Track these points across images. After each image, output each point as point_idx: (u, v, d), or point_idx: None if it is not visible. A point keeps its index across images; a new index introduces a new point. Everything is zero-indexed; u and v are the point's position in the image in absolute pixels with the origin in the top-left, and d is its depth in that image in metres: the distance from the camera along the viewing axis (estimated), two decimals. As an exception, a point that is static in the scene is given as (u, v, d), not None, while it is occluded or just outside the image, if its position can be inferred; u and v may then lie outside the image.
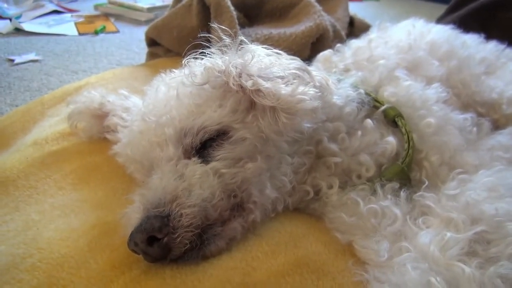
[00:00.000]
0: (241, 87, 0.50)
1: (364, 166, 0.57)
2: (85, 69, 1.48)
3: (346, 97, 0.59)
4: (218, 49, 0.54)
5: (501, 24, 1.08)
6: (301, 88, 0.48)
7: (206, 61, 0.52)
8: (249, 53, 0.51)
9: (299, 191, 0.57)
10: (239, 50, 0.53)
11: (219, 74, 0.50)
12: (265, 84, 0.48)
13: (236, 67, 0.50)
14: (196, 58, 0.53)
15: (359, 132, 0.58)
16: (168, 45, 1.13)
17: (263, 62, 0.51)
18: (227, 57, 0.51)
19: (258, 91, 0.49)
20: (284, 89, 0.47)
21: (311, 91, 0.48)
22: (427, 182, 0.54)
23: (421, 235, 0.46)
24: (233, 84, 0.50)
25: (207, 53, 0.53)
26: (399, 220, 0.50)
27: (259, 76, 0.49)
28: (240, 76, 0.49)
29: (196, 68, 0.52)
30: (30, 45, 1.67)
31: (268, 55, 0.53)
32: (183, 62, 0.53)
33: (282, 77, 0.49)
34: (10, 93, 1.26)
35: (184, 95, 0.52)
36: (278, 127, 0.49)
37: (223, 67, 0.50)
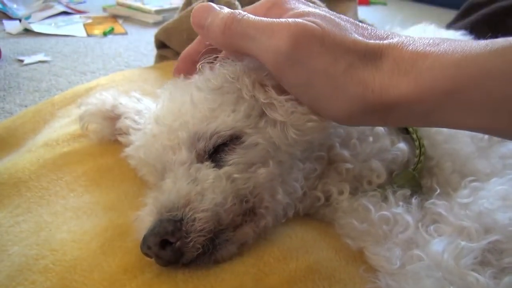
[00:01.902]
0: (254, 96, 0.50)
1: (375, 173, 0.57)
2: (94, 70, 1.49)
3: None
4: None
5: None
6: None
7: (220, 66, 0.52)
8: None
9: (309, 196, 0.57)
10: None
11: (232, 80, 0.50)
12: (279, 98, 0.48)
13: (250, 76, 0.50)
14: (210, 62, 0.53)
15: (370, 138, 0.58)
16: (178, 48, 1.14)
17: None
18: (241, 64, 0.51)
19: (271, 104, 0.48)
20: (298, 107, 0.47)
21: None
22: (438, 190, 0.54)
23: (433, 243, 0.46)
24: (246, 94, 0.49)
25: (221, 58, 0.53)
26: (411, 227, 0.50)
27: (274, 87, 0.49)
28: (253, 87, 0.49)
29: (210, 73, 0.53)
30: (39, 46, 1.68)
31: None
32: (197, 66, 0.53)
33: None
34: (20, 93, 1.27)
35: (198, 100, 0.52)
36: (287, 140, 0.49)
37: (237, 74, 0.50)
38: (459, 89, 0.36)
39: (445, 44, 0.39)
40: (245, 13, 0.44)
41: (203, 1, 1.03)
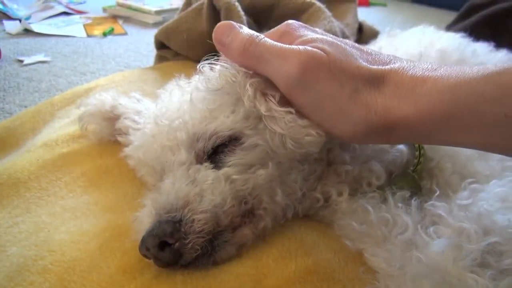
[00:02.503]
0: (255, 106, 0.49)
1: (374, 174, 0.57)
2: (93, 70, 1.48)
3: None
4: None
5: None
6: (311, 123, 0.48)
7: (221, 67, 0.52)
8: None
9: (309, 198, 0.56)
10: None
11: (233, 82, 0.50)
12: (279, 110, 0.48)
13: (253, 85, 0.49)
14: (211, 63, 0.53)
15: (370, 140, 0.58)
16: (177, 48, 1.14)
17: None
18: (243, 69, 0.51)
19: (271, 116, 0.48)
20: (298, 121, 0.47)
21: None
22: (438, 191, 0.54)
23: (432, 244, 0.46)
24: (247, 103, 0.49)
25: (222, 59, 0.53)
26: (410, 229, 0.50)
27: (274, 97, 0.49)
28: (255, 96, 0.49)
29: (211, 73, 0.53)
30: (39, 46, 1.67)
31: None
32: (198, 67, 0.53)
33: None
34: (19, 93, 1.26)
35: (198, 100, 0.52)
36: (285, 150, 0.50)
37: (239, 79, 0.50)
38: (454, 112, 0.39)
39: (442, 69, 0.42)
40: (262, 36, 0.48)
41: (202, 2, 1.03)
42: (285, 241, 0.51)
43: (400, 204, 0.53)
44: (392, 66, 0.45)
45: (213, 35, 0.50)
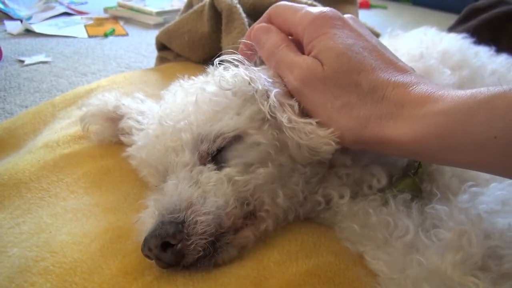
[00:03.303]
0: (275, 116, 0.50)
1: (375, 177, 0.57)
2: (94, 71, 1.49)
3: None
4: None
5: (512, 36, 1.08)
6: (330, 133, 0.50)
7: (239, 69, 0.53)
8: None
9: (310, 200, 0.57)
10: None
11: (251, 87, 0.51)
12: (301, 123, 0.50)
13: (276, 95, 0.51)
14: (222, 64, 0.54)
15: (371, 143, 0.58)
16: (179, 50, 1.14)
17: None
18: (262, 76, 0.53)
19: (292, 128, 0.50)
20: (318, 132, 0.49)
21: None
22: (439, 194, 0.54)
23: (433, 248, 0.46)
24: (268, 113, 0.50)
25: (238, 60, 0.54)
26: (411, 232, 0.50)
27: (291, 107, 0.51)
28: (276, 107, 0.50)
29: (225, 72, 0.53)
30: (40, 47, 1.68)
31: None
32: (214, 63, 0.54)
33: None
34: (20, 94, 1.27)
35: (203, 101, 0.53)
36: (301, 157, 0.52)
37: (259, 86, 0.51)
38: (447, 134, 0.41)
39: (440, 91, 0.44)
40: (284, 45, 0.54)
41: (204, 4, 1.04)
42: (286, 244, 0.51)
43: (401, 207, 0.53)
44: (399, 80, 0.47)
45: (252, 31, 0.58)
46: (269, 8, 0.59)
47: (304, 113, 0.52)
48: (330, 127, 0.49)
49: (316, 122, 0.50)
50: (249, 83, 0.51)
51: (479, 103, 0.40)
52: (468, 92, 0.42)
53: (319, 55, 0.50)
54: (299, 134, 0.49)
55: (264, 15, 0.60)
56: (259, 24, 0.59)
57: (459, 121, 0.41)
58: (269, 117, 0.50)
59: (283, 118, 0.50)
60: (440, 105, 0.42)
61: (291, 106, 0.51)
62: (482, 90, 0.40)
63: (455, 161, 0.44)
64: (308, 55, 0.52)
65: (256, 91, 0.51)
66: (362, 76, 0.48)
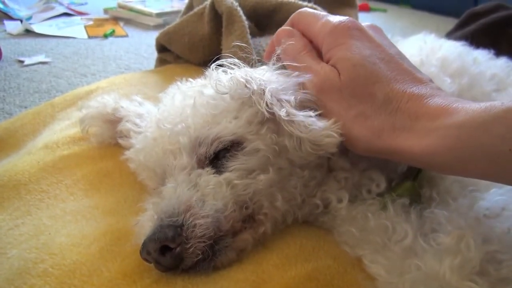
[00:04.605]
0: (273, 112, 0.50)
1: (374, 182, 0.57)
2: (94, 72, 1.49)
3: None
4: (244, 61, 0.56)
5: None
6: (331, 124, 0.50)
7: (235, 72, 0.53)
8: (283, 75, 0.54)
9: (308, 204, 0.57)
10: (274, 68, 0.55)
11: (247, 89, 0.51)
12: (300, 115, 0.49)
13: (271, 93, 0.50)
14: (219, 67, 0.54)
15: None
16: (179, 51, 1.14)
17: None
18: (259, 75, 0.52)
19: (291, 121, 0.49)
20: (318, 124, 0.49)
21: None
22: (438, 199, 0.54)
23: (431, 252, 0.46)
24: (265, 110, 0.50)
25: (233, 63, 0.54)
26: (409, 236, 0.50)
27: (289, 102, 0.50)
28: (273, 103, 0.50)
29: (222, 76, 0.53)
30: (39, 47, 1.68)
31: None
32: (210, 68, 0.54)
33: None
34: (19, 94, 1.27)
35: (201, 105, 0.53)
36: (301, 153, 0.51)
37: (255, 86, 0.51)
38: (460, 148, 0.42)
39: (455, 104, 0.44)
40: (305, 52, 0.55)
41: (204, 7, 1.04)
42: (285, 247, 0.51)
43: (399, 212, 0.53)
44: (414, 92, 0.48)
45: (277, 32, 0.59)
46: (293, 14, 0.60)
47: (303, 107, 0.51)
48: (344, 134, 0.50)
49: (316, 115, 0.50)
50: (245, 85, 0.51)
51: (493, 117, 0.40)
52: (482, 105, 0.42)
53: (337, 64, 0.51)
54: (298, 127, 0.49)
55: (289, 19, 0.61)
56: (283, 27, 0.60)
57: (473, 134, 0.41)
58: (267, 114, 0.50)
59: (281, 112, 0.49)
60: (454, 118, 0.43)
61: (288, 101, 0.51)
62: (497, 104, 0.41)
63: (467, 172, 0.45)
64: (326, 63, 0.53)
65: (253, 92, 0.51)
66: (377, 87, 0.49)
